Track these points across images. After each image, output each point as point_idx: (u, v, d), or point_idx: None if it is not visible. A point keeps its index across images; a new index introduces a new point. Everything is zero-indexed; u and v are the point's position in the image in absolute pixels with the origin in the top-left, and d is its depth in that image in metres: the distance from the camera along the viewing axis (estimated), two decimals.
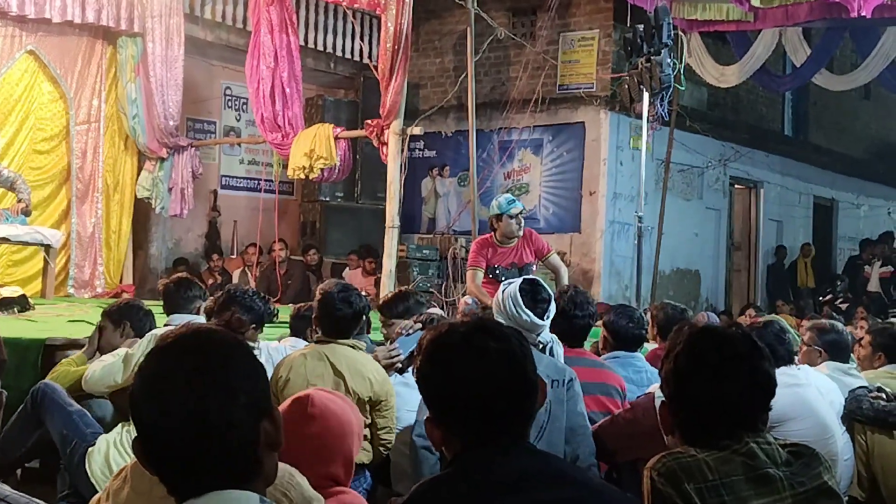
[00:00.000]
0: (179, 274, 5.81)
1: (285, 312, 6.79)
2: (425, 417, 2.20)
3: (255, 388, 1.75)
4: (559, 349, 4.34)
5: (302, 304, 6.03)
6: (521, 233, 7.82)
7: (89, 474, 4.17)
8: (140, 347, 4.59)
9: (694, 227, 15.23)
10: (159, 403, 1.68)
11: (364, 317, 4.91)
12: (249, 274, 13.12)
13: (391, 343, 5.10)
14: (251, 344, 4.86)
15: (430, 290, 12.27)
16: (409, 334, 5.10)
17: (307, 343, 5.39)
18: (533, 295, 4.20)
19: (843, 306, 15.27)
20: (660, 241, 13.18)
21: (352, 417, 2.87)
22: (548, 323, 4.25)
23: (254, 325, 4.94)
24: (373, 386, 4.61)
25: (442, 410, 2.13)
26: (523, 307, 4.14)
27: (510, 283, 4.30)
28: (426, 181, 15.05)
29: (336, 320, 4.72)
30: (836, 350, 5.75)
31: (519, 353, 2.14)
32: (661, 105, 10.52)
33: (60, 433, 4.41)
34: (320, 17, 13.99)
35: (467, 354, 2.11)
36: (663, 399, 2.45)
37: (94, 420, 4.50)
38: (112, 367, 4.63)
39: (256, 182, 14.18)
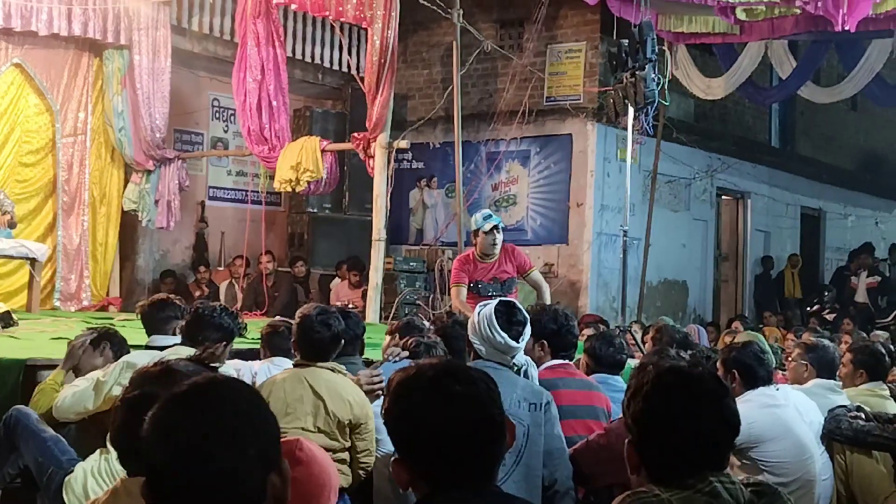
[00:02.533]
0: (156, 295, 5.81)
1: None
2: (393, 459, 2.21)
3: (265, 440, 1.79)
4: (534, 371, 4.36)
5: (273, 323, 5.96)
6: (495, 249, 7.83)
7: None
8: (112, 374, 4.57)
9: (681, 238, 15.26)
10: (171, 454, 1.72)
11: (342, 340, 4.90)
12: (236, 286, 13.12)
13: (375, 368, 5.09)
14: (224, 366, 4.87)
15: (417, 302, 12.27)
16: (395, 361, 5.09)
17: (291, 361, 5.41)
18: (508, 317, 4.20)
19: (831, 317, 15.33)
20: (647, 252, 13.20)
21: (333, 471, 2.87)
22: (523, 345, 4.26)
23: (224, 343, 4.96)
24: (352, 409, 4.61)
25: (409, 453, 2.14)
26: (498, 329, 4.13)
27: (485, 305, 4.30)
28: (414, 192, 15.06)
29: (314, 343, 4.72)
30: (824, 367, 5.79)
31: (486, 397, 2.15)
32: (645, 119, 10.55)
33: (35, 460, 4.38)
34: (308, 29, 13.98)
35: (434, 398, 2.12)
36: (629, 438, 2.45)
37: (69, 447, 4.48)
38: (83, 395, 4.61)
39: (244, 193, 14.16)
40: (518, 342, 4.18)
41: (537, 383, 4.28)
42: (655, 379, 2.41)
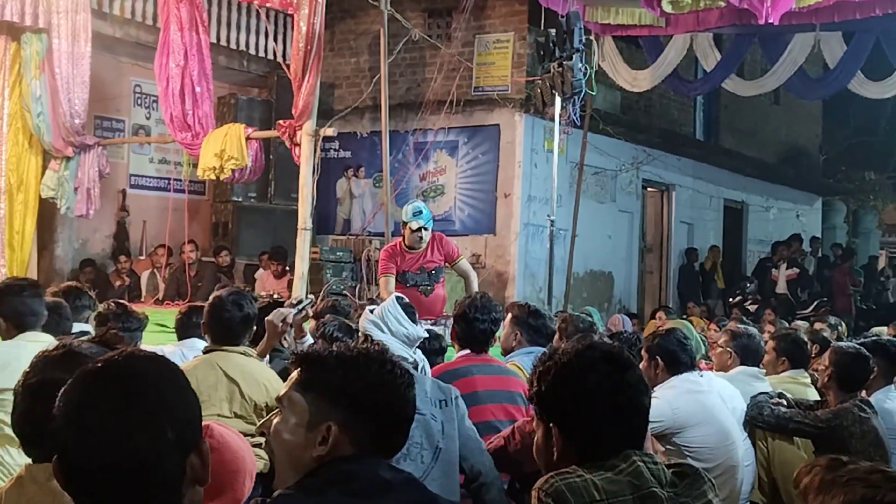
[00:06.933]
0: (68, 283, 5.67)
1: None
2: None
3: (185, 421, 1.71)
4: (428, 369, 4.30)
5: (186, 309, 5.87)
6: (422, 244, 7.84)
7: None
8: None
9: (607, 229, 15.36)
10: (84, 434, 1.63)
11: (254, 324, 4.80)
12: (158, 276, 12.87)
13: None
14: None
15: (344, 292, 12.17)
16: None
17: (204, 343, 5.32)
18: (405, 308, 4.19)
19: (753, 308, 15.54)
20: (573, 243, 13.25)
21: (247, 456, 2.78)
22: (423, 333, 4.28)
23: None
24: (269, 392, 4.53)
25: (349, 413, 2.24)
26: (408, 319, 4.11)
27: (377, 307, 4.29)
28: (341, 182, 14.95)
29: (224, 322, 4.63)
30: (748, 354, 5.84)
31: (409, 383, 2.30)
32: (573, 109, 10.57)
33: None
34: (233, 15, 13.74)
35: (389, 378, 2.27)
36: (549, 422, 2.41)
37: None
38: None
39: (166, 181, 13.91)
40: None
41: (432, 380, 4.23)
42: (577, 357, 2.37)
